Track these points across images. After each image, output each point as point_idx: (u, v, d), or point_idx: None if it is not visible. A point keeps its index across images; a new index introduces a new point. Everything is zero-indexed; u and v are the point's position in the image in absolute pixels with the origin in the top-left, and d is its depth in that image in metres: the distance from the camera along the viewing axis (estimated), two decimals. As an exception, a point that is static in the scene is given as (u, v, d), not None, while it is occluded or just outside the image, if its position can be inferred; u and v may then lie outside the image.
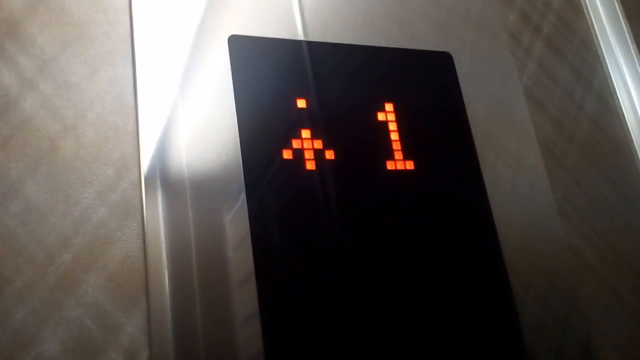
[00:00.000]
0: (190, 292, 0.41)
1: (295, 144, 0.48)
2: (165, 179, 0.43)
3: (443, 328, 0.48)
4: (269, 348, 0.41)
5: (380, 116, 0.53)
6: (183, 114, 0.45)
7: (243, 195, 0.45)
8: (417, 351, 0.46)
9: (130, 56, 0.46)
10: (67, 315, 0.39)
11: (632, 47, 0.68)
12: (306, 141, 0.49)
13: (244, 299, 0.42)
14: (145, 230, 0.42)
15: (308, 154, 0.49)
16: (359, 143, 0.51)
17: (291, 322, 0.43)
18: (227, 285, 0.42)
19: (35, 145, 0.42)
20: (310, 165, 0.48)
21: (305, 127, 0.49)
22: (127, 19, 0.47)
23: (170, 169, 0.44)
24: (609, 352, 0.55)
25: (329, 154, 0.49)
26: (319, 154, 0.48)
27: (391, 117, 0.53)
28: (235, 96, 0.47)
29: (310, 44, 0.53)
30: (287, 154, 0.47)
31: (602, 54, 0.69)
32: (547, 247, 0.56)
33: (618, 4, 0.70)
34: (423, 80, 0.57)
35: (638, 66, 0.67)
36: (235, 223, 0.44)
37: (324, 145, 0.49)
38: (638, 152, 0.66)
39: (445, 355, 0.47)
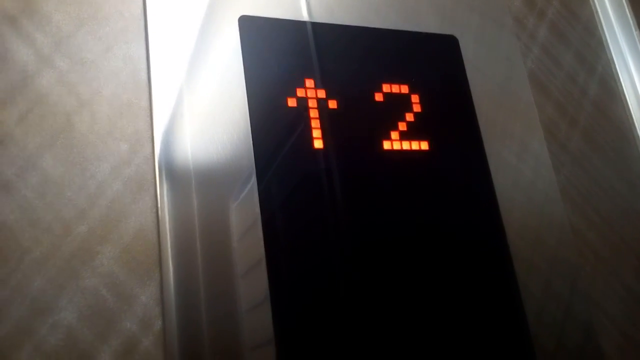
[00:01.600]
0: (202, 262, 0.42)
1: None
2: (177, 154, 0.44)
3: (448, 310, 0.49)
4: (278, 322, 0.42)
5: (388, 98, 0.53)
6: (195, 91, 0.46)
7: (253, 175, 0.46)
8: (423, 333, 0.47)
9: (144, 34, 0.47)
10: (83, 285, 0.40)
11: (635, 34, 0.69)
12: (314, 120, 0.50)
13: (254, 278, 0.43)
14: (159, 204, 0.43)
15: (316, 133, 0.50)
16: (364, 122, 0.52)
17: (299, 304, 0.44)
18: (237, 258, 0.43)
19: (52, 120, 0.43)
20: (318, 144, 0.49)
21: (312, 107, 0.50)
22: (140, -3, 0.48)
23: (182, 145, 0.45)
24: (611, 334, 0.56)
25: (339, 144, 0.50)
26: (325, 130, 0.49)
27: (398, 98, 0.54)
28: (245, 74, 0.48)
29: (317, 25, 0.54)
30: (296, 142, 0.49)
31: (606, 40, 0.70)
32: (550, 230, 0.57)
33: (622, -10, 0.71)
34: (429, 63, 0.58)
35: (641, 51, 0.68)
36: (245, 201, 0.45)
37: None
38: (639, 135, 0.67)
39: (449, 336, 0.48)
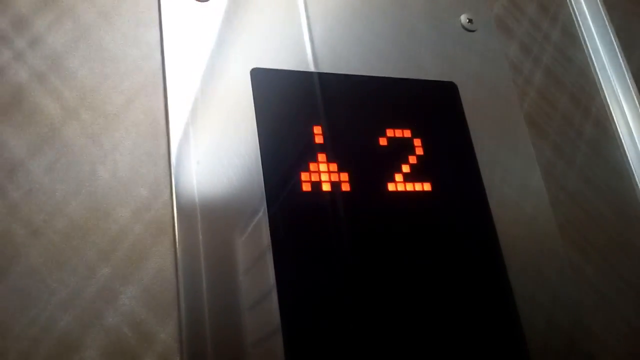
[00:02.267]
0: (220, 303, 0.45)
1: (313, 167, 0.52)
2: (194, 199, 0.47)
3: (453, 346, 0.51)
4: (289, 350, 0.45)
5: (391, 142, 0.57)
6: (210, 140, 0.50)
7: (261, 211, 0.48)
8: (421, 339, 0.49)
9: (162, 87, 0.51)
10: (106, 324, 0.42)
11: (627, 76, 0.72)
12: (322, 164, 0.53)
13: (264, 309, 0.46)
14: (177, 245, 0.46)
15: (324, 177, 0.53)
16: (370, 165, 0.55)
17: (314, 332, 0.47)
18: (250, 296, 0.46)
19: (77, 169, 0.46)
20: (326, 187, 0.52)
21: (321, 152, 0.53)
22: (159, 54, 0.52)
23: (198, 190, 0.48)
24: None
25: (343, 176, 0.53)
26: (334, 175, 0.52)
27: (402, 143, 0.57)
28: (257, 121, 0.52)
29: (324, 75, 0.57)
30: (305, 177, 0.51)
31: (600, 83, 0.73)
32: (550, 266, 0.59)
33: (613, 36, 0.74)
34: (430, 108, 0.61)
35: (634, 94, 0.71)
36: (252, 235, 0.48)
37: (338, 167, 0.53)
38: (635, 175, 0.69)
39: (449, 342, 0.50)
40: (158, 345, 0.43)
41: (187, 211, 0.47)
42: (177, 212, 0.47)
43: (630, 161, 0.70)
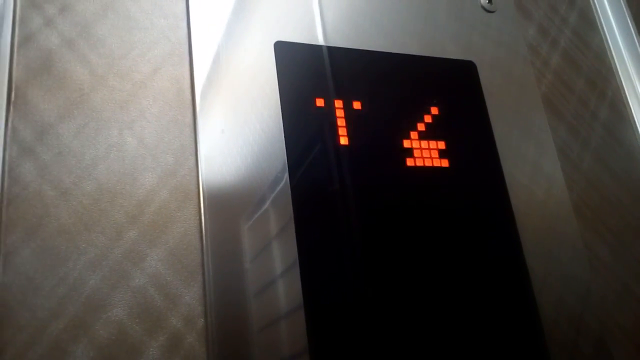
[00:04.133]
0: (241, 266, 0.46)
1: (333, 139, 0.53)
2: (219, 166, 0.48)
3: (466, 319, 0.52)
4: (309, 314, 0.46)
5: (411, 118, 0.57)
6: (235, 109, 0.50)
7: (285, 176, 0.49)
8: (439, 336, 0.50)
9: (188, 57, 0.52)
10: (133, 284, 0.43)
11: (643, 61, 0.72)
12: (342, 137, 0.54)
13: (290, 283, 0.46)
14: (202, 211, 0.47)
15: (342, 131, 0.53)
16: (390, 141, 0.55)
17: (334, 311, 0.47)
18: (274, 263, 0.47)
19: (105, 134, 0.47)
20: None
21: (341, 126, 0.54)
22: (185, 24, 0.53)
23: (223, 158, 0.48)
24: (623, 345, 0.59)
25: (365, 157, 0.54)
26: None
27: (422, 118, 0.57)
28: (280, 95, 0.52)
29: (345, 50, 0.58)
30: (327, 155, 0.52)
31: (615, 67, 0.74)
32: (563, 245, 0.60)
33: (630, 20, 0.74)
34: (450, 87, 0.61)
35: (649, 78, 0.71)
36: (276, 202, 0.48)
37: (357, 139, 0.54)
38: (649, 158, 0.70)
39: (466, 345, 0.51)
40: (183, 307, 0.44)
41: (212, 178, 0.47)
42: (202, 179, 0.47)
43: (645, 145, 0.70)
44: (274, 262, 0.47)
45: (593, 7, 0.77)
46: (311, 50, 0.56)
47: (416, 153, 0.56)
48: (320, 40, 0.57)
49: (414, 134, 0.57)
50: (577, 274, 0.59)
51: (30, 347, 0.39)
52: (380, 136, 0.56)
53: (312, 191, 0.50)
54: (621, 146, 0.69)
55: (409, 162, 0.56)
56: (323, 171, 0.52)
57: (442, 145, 0.58)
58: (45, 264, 0.42)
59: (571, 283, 0.58)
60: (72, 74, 0.47)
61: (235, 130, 0.50)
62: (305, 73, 0.55)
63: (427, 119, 0.58)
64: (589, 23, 0.76)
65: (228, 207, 0.47)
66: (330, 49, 0.57)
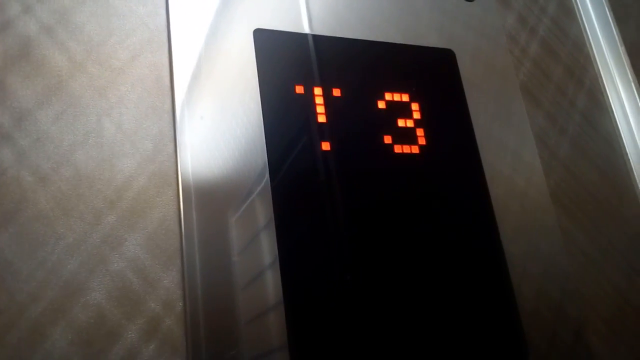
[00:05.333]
0: (219, 250, 0.46)
1: (313, 127, 0.53)
2: (198, 152, 0.48)
3: (444, 307, 0.53)
4: (289, 301, 0.46)
5: (390, 105, 0.58)
6: (214, 96, 0.51)
7: (266, 162, 0.50)
8: (418, 327, 0.51)
9: (167, 44, 0.52)
10: (111, 269, 0.44)
11: (620, 49, 0.73)
12: (322, 124, 0.54)
13: (268, 249, 0.47)
14: (180, 197, 0.47)
15: (325, 145, 0.54)
16: (369, 127, 0.56)
17: (309, 276, 0.48)
18: (252, 242, 0.47)
19: (84, 120, 0.47)
20: (325, 146, 0.54)
21: (321, 113, 0.55)
22: (164, 11, 0.53)
23: (202, 144, 0.49)
24: (599, 330, 0.60)
25: (342, 136, 0.54)
26: (331, 126, 0.54)
27: (400, 106, 0.58)
28: (259, 82, 0.53)
29: (325, 38, 0.58)
30: (305, 136, 0.53)
31: (593, 55, 0.75)
32: (542, 232, 0.61)
33: (608, 10, 0.75)
34: (428, 75, 0.62)
35: (627, 66, 0.72)
36: (260, 198, 0.49)
37: (337, 128, 0.54)
38: (626, 145, 0.71)
39: (445, 333, 0.52)
40: (161, 291, 0.44)
41: (191, 164, 0.48)
42: (181, 165, 0.48)
43: (621, 132, 0.71)
44: (256, 249, 0.47)
45: (572, -4, 0.78)
46: (290, 37, 0.56)
47: (395, 142, 0.57)
48: (301, 28, 0.57)
49: (393, 123, 0.58)
50: (556, 261, 0.60)
51: (9, 330, 0.40)
52: (359, 123, 0.56)
53: (291, 178, 0.51)
54: (598, 133, 0.70)
55: (388, 151, 0.56)
56: (303, 158, 0.52)
57: (420, 132, 0.59)
58: (24, 248, 0.42)
59: (550, 271, 0.59)
60: (50, 60, 0.47)
61: (215, 116, 0.50)
62: (285, 60, 0.55)
63: (406, 107, 0.59)
64: (567, 12, 0.77)
65: (207, 192, 0.48)
66: (309, 37, 0.57)
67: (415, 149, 0.57)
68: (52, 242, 0.43)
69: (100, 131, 0.47)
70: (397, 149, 0.57)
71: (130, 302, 0.43)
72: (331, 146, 0.54)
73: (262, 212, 0.49)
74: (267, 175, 0.50)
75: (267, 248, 0.48)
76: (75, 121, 0.47)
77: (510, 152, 0.62)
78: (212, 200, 0.47)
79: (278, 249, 0.48)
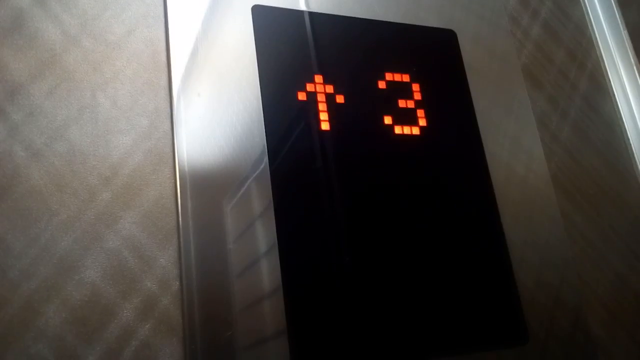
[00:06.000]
0: (217, 230, 0.45)
1: (311, 102, 0.52)
2: (194, 130, 0.47)
3: (444, 290, 0.52)
4: (288, 283, 0.45)
5: (390, 85, 0.57)
6: (211, 72, 0.50)
7: (264, 142, 0.49)
8: (419, 307, 0.50)
9: (163, 19, 0.51)
10: (107, 246, 0.43)
11: (623, 33, 0.72)
12: (321, 104, 0.53)
13: (265, 233, 0.46)
14: (177, 174, 0.46)
15: (323, 116, 0.53)
16: (369, 107, 0.55)
17: (307, 260, 0.47)
18: (250, 223, 0.46)
19: (78, 95, 0.46)
20: (324, 126, 0.53)
21: (320, 92, 0.53)
22: (160, -15, 0.52)
23: (199, 122, 0.48)
24: (598, 312, 0.59)
25: (342, 116, 0.53)
26: (331, 105, 0.53)
27: (401, 87, 0.57)
28: (257, 58, 0.52)
29: (324, 16, 0.57)
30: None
31: (596, 38, 0.74)
32: (542, 216, 0.60)
33: (611, -7, 0.75)
34: (429, 55, 0.61)
35: (629, 50, 0.72)
36: (257, 180, 0.48)
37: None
38: (627, 129, 0.70)
39: (445, 316, 0.51)
40: (158, 270, 0.44)
41: (187, 141, 0.47)
42: (177, 142, 0.47)
43: (623, 116, 0.71)
44: (253, 231, 0.46)
45: (574, -21, 0.77)
46: (289, 14, 0.55)
47: (396, 122, 0.56)
48: (300, 6, 0.56)
49: (394, 103, 0.57)
50: (555, 244, 0.59)
51: (2, 308, 0.39)
52: (359, 103, 0.55)
53: (290, 158, 0.50)
54: (600, 117, 0.70)
55: (389, 132, 0.55)
56: (302, 139, 0.51)
57: (421, 114, 0.58)
58: (16, 224, 0.41)
59: (549, 254, 0.59)
60: (43, 33, 0.46)
61: (213, 94, 0.49)
62: (283, 37, 0.54)
63: (407, 87, 0.58)
64: (569, -6, 0.76)
65: (204, 170, 0.47)
66: (308, 14, 0.56)
67: (415, 130, 0.56)
68: (45, 219, 0.42)
69: (95, 106, 0.46)
70: (398, 129, 0.56)
71: (126, 281, 0.42)
72: (331, 127, 0.53)
73: (260, 195, 0.48)
74: (265, 157, 0.49)
75: (265, 233, 0.47)
76: (69, 96, 0.45)
77: (512, 135, 0.61)
78: (209, 179, 0.46)
79: (277, 232, 0.47)
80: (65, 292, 0.41)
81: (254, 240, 0.46)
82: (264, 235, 0.47)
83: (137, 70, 0.48)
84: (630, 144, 0.69)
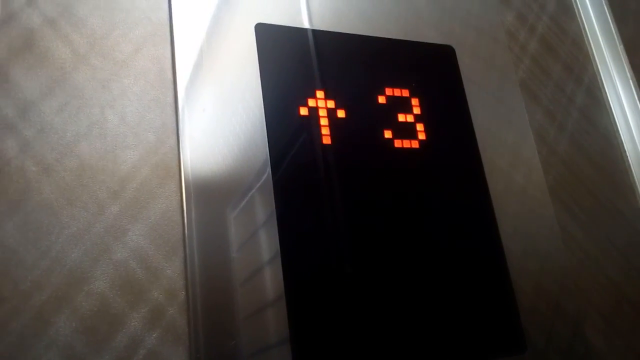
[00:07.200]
0: (221, 241, 0.46)
1: (313, 120, 0.54)
2: (199, 144, 0.49)
3: (444, 301, 0.53)
4: (290, 291, 0.47)
5: (390, 100, 0.58)
6: (216, 89, 0.51)
7: (267, 155, 0.50)
8: (416, 319, 0.52)
9: (169, 38, 0.52)
10: (115, 258, 0.44)
11: (619, 47, 0.74)
12: (323, 119, 0.55)
13: (268, 242, 0.47)
14: (183, 188, 0.47)
15: (325, 130, 0.54)
16: (369, 122, 0.57)
17: (310, 269, 0.49)
18: (253, 233, 0.48)
19: (87, 112, 0.47)
20: (325, 140, 0.54)
21: (322, 107, 0.55)
22: (166, 5, 0.53)
23: (204, 136, 0.49)
24: (595, 322, 0.60)
25: (343, 131, 0.55)
26: (333, 120, 0.54)
27: (400, 102, 0.59)
28: (260, 75, 0.53)
29: (326, 34, 0.58)
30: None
31: (592, 53, 0.75)
32: (541, 228, 0.61)
33: (607, 8, 0.76)
34: (428, 71, 0.63)
35: (625, 64, 0.73)
36: (261, 191, 0.49)
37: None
38: (623, 141, 0.71)
39: (444, 326, 0.52)
40: (164, 281, 0.45)
41: (193, 155, 0.48)
42: (183, 156, 0.48)
43: (619, 129, 0.72)
44: (257, 242, 0.48)
45: (570, -6, 0.79)
46: (291, 32, 0.57)
47: (396, 136, 0.57)
48: (302, 23, 0.58)
49: (393, 117, 0.58)
50: (554, 256, 0.61)
51: (13, 318, 0.40)
52: (359, 118, 0.57)
53: (292, 172, 0.51)
54: (597, 130, 0.71)
55: (389, 145, 0.57)
56: (303, 153, 0.53)
57: (420, 127, 0.59)
58: (28, 237, 0.42)
59: (548, 265, 0.60)
60: (54, 52, 0.48)
61: (217, 109, 0.51)
62: (286, 55, 0.56)
63: (407, 102, 0.59)
64: (566, 10, 0.77)
65: (209, 184, 0.48)
66: (310, 32, 0.57)
67: (415, 144, 0.58)
68: (56, 232, 0.43)
69: (103, 123, 0.47)
70: (397, 143, 0.57)
71: (134, 291, 0.44)
72: (332, 140, 0.54)
73: (263, 205, 0.49)
74: (268, 169, 0.50)
75: (267, 243, 0.48)
76: (78, 112, 0.47)
77: (510, 149, 0.63)
78: (214, 191, 0.48)
79: (280, 241, 0.48)
80: (75, 303, 0.42)
81: (257, 251, 0.48)
82: (267, 244, 0.48)
83: (144, 88, 0.50)
84: (627, 156, 0.71)
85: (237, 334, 0.44)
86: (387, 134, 0.57)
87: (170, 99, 0.50)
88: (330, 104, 0.55)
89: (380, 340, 0.49)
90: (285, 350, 0.45)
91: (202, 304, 0.44)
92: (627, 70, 0.73)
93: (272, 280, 0.47)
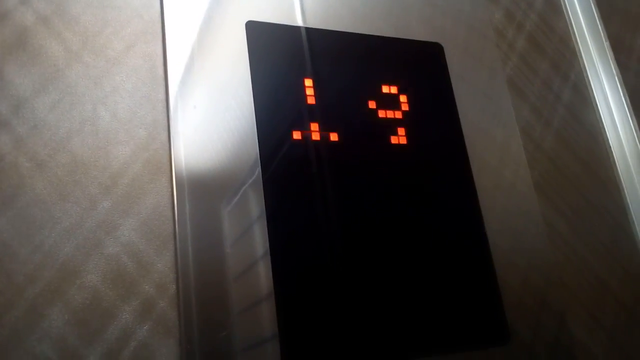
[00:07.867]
0: (212, 236, 0.47)
1: (304, 119, 0.55)
2: (191, 141, 0.50)
3: (430, 295, 0.54)
4: (279, 288, 0.48)
5: (379, 98, 0.59)
6: (207, 86, 0.52)
7: (257, 152, 0.51)
8: (405, 311, 0.53)
9: (161, 35, 0.53)
10: (106, 252, 0.45)
11: (605, 45, 0.75)
12: (313, 115, 0.56)
13: (260, 238, 0.49)
14: (174, 183, 0.48)
15: (314, 127, 0.55)
16: (359, 119, 0.57)
17: (299, 263, 0.50)
18: (245, 231, 0.49)
19: (80, 109, 0.48)
20: (315, 137, 0.55)
21: (312, 103, 0.56)
22: (158, 3, 0.54)
23: (195, 133, 0.50)
24: (581, 317, 0.62)
25: (333, 136, 0.56)
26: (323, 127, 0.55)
27: (389, 99, 0.60)
28: (251, 73, 0.54)
29: (316, 31, 0.59)
30: (296, 127, 0.54)
31: (579, 51, 0.77)
32: (526, 224, 0.62)
33: (594, 6, 0.77)
34: (416, 68, 0.64)
35: (610, 61, 0.74)
36: (251, 188, 0.50)
37: (328, 119, 0.56)
38: (608, 137, 0.73)
39: (430, 318, 0.54)
40: (155, 274, 0.46)
41: (184, 152, 0.49)
42: (174, 153, 0.49)
43: (605, 125, 0.73)
44: (247, 237, 0.49)
45: (558, -8, 0.80)
46: (282, 30, 0.58)
47: (386, 132, 0.58)
48: (293, 21, 0.59)
49: (382, 114, 0.59)
50: (540, 249, 0.62)
51: (7, 311, 0.41)
52: (349, 115, 0.57)
53: (282, 168, 0.52)
54: (582, 126, 0.72)
55: (378, 141, 0.58)
56: (293, 150, 0.53)
57: (409, 124, 0.60)
58: (21, 232, 0.43)
59: (535, 261, 0.61)
60: (47, 50, 0.49)
61: (208, 106, 0.52)
62: (276, 52, 0.57)
63: (394, 99, 0.60)
64: (554, 7, 0.78)
65: (200, 180, 0.49)
66: (301, 29, 0.58)
67: (403, 140, 0.59)
68: (49, 226, 0.44)
69: (95, 119, 0.48)
70: (390, 139, 0.58)
71: (125, 285, 0.45)
72: (321, 138, 0.55)
73: (254, 202, 0.50)
74: (258, 167, 0.51)
75: (258, 237, 0.49)
76: (71, 109, 0.48)
77: (497, 145, 0.64)
78: (204, 187, 0.49)
79: (269, 238, 0.49)
80: (67, 296, 0.43)
81: (248, 245, 0.49)
82: (258, 240, 0.49)
83: (136, 84, 0.51)
84: (612, 153, 0.72)
85: (227, 327, 0.45)
86: (376, 133, 0.58)
87: (162, 96, 0.51)
88: (323, 119, 0.56)
89: (366, 334, 0.50)
90: (275, 345, 0.47)
91: (192, 297, 0.45)
92: (612, 67, 0.74)
93: (262, 277, 0.48)
